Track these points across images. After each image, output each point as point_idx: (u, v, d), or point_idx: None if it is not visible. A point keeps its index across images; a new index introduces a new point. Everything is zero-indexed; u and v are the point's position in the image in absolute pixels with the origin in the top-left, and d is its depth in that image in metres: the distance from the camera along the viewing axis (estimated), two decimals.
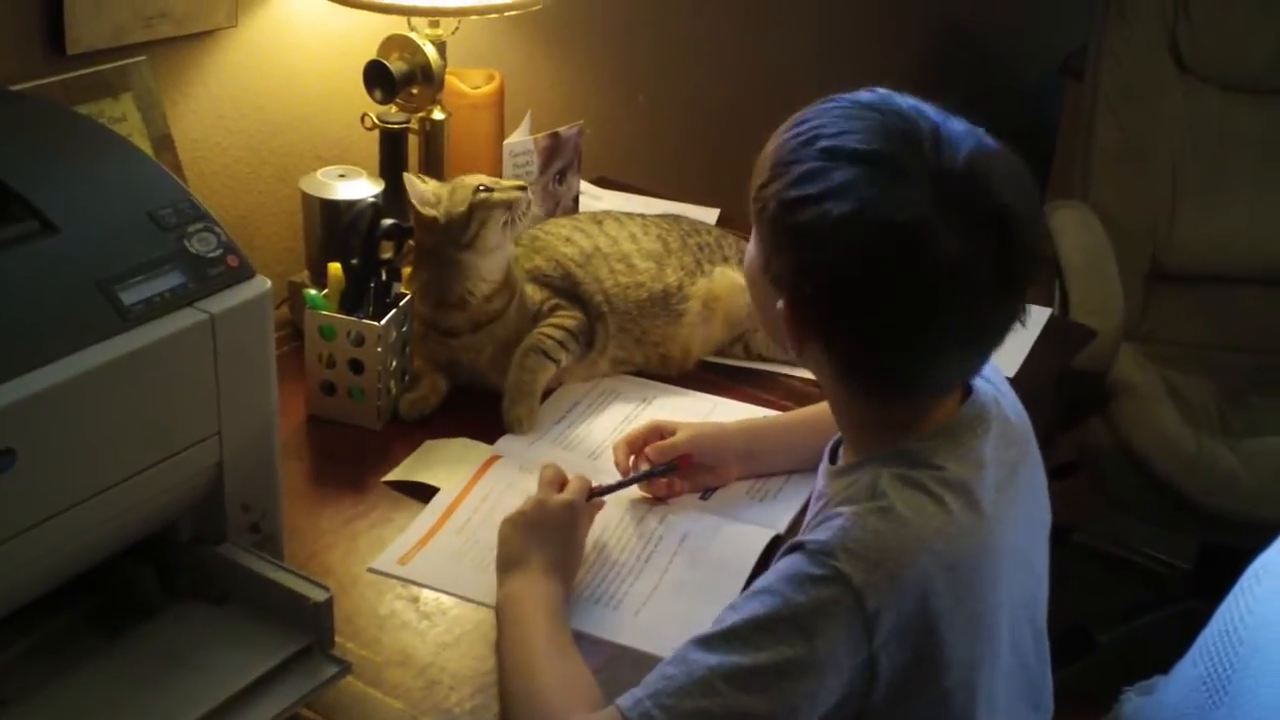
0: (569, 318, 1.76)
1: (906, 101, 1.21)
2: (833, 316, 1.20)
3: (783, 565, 1.19)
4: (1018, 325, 1.22)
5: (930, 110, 1.20)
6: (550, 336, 1.73)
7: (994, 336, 1.22)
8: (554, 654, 1.30)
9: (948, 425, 1.26)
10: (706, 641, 1.17)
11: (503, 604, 1.38)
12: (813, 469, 1.45)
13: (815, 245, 1.18)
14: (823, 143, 1.19)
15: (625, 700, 1.16)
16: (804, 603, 1.15)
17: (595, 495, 1.49)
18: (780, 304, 1.23)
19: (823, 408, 1.62)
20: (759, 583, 1.19)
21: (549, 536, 1.41)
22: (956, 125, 1.19)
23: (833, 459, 1.35)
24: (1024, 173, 1.20)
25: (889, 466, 1.22)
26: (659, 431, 1.60)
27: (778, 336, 1.28)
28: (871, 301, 1.17)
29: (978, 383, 1.30)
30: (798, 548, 1.19)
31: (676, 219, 1.97)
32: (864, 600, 1.14)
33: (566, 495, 1.45)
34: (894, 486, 1.20)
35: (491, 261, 1.71)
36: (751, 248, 1.31)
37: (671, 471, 1.58)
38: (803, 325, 1.22)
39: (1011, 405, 1.35)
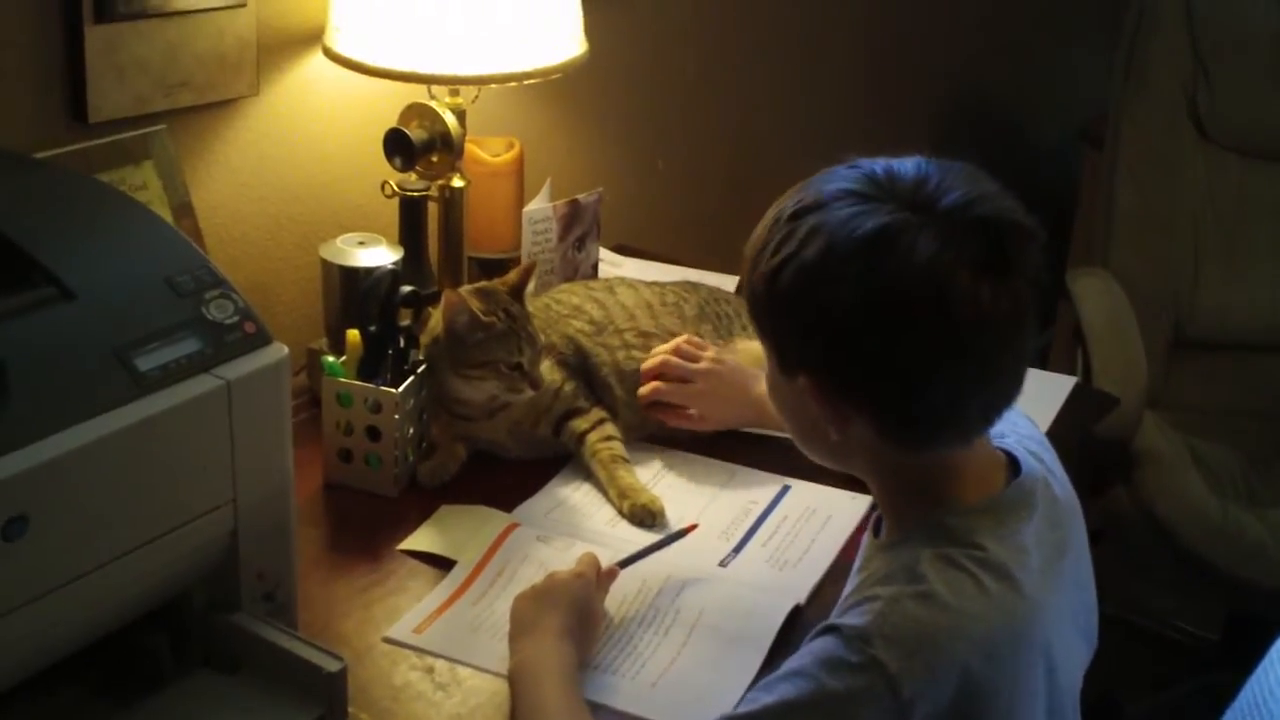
0: (600, 415, 1.77)
1: (879, 162, 1.20)
2: (848, 363, 1.17)
3: (816, 647, 1.16)
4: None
5: (908, 162, 1.19)
6: (610, 436, 1.75)
7: (1000, 354, 1.17)
8: (569, 716, 1.29)
9: (992, 503, 1.22)
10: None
11: (516, 671, 1.36)
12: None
13: (804, 299, 1.16)
14: (787, 211, 1.19)
15: None
16: (839, 690, 1.12)
17: (624, 565, 1.50)
18: (806, 392, 1.20)
19: None
20: (791, 663, 1.17)
21: (561, 605, 1.40)
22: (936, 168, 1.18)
23: (875, 532, 1.31)
24: (1010, 204, 1.17)
25: (929, 546, 1.19)
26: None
27: (819, 440, 1.25)
28: (869, 325, 1.14)
29: (1028, 462, 1.27)
30: (833, 630, 1.16)
31: (695, 287, 1.97)
32: (899, 689, 1.11)
33: (576, 568, 1.45)
34: (934, 568, 1.17)
35: (478, 392, 1.71)
36: (766, 364, 1.29)
37: (684, 534, 1.58)
38: (831, 395, 1.19)
39: (1061, 485, 1.32)
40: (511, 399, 1.70)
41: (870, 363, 1.16)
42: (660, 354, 1.78)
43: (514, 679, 1.36)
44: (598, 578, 1.45)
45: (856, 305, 1.14)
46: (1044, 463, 1.31)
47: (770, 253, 1.18)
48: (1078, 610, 1.32)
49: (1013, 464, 1.27)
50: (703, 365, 1.77)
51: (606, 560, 1.50)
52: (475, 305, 1.66)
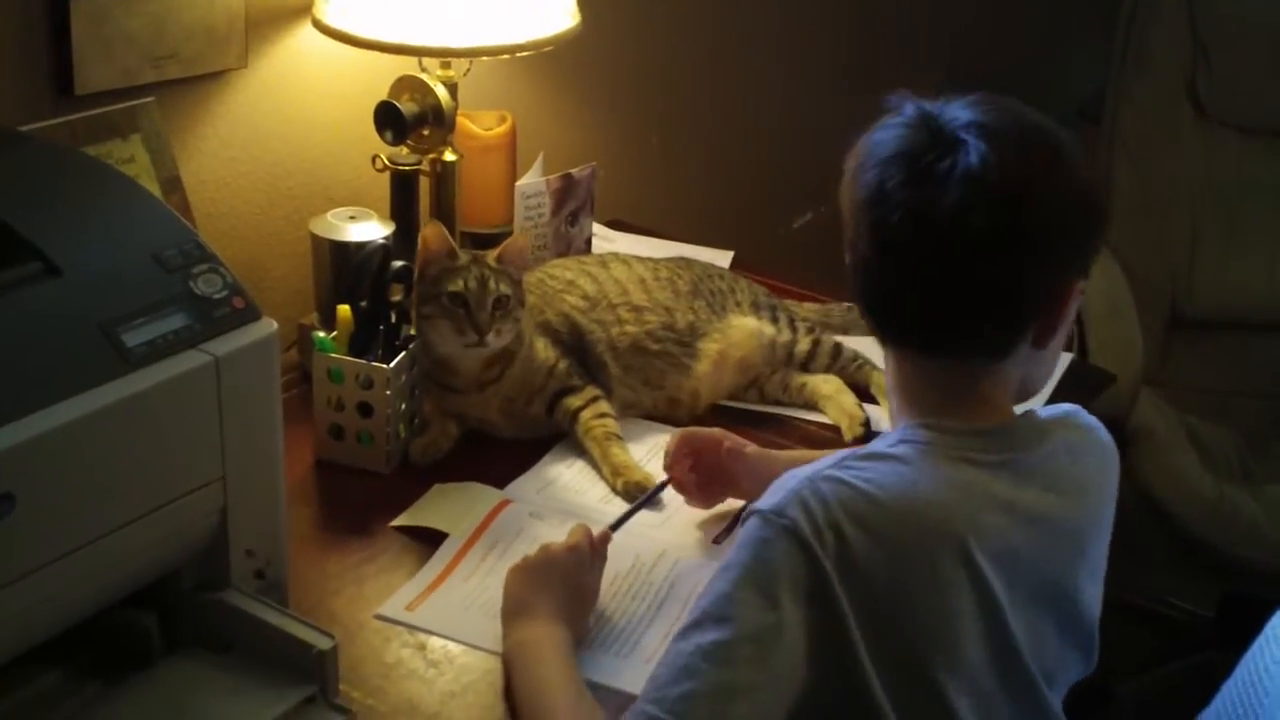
0: (594, 393, 1.75)
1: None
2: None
3: (741, 533, 1.20)
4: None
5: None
6: (604, 414, 1.73)
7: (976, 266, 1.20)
8: (571, 696, 1.29)
9: (986, 427, 1.26)
10: (683, 632, 1.17)
11: (512, 651, 1.35)
12: None
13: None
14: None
15: (627, 717, 1.16)
16: (762, 559, 1.16)
17: (614, 528, 1.50)
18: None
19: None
20: (720, 564, 1.21)
21: (554, 582, 1.39)
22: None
23: None
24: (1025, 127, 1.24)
25: (881, 440, 1.26)
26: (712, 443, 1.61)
27: None
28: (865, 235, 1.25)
29: (1048, 414, 1.33)
30: (753, 514, 1.20)
31: (688, 263, 1.96)
32: (810, 549, 1.16)
33: (570, 541, 1.43)
34: (868, 460, 1.22)
35: (439, 339, 1.69)
36: None
37: (663, 488, 1.60)
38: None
39: (1088, 484, 1.35)
40: (461, 348, 1.67)
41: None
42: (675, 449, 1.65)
43: (510, 660, 1.35)
44: (592, 548, 1.44)
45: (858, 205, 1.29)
46: (1083, 453, 1.35)
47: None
48: (1060, 596, 1.32)
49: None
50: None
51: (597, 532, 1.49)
52: (454, 241, 1.67)
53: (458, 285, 1.65)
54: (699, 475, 1.61)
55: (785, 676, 1.15)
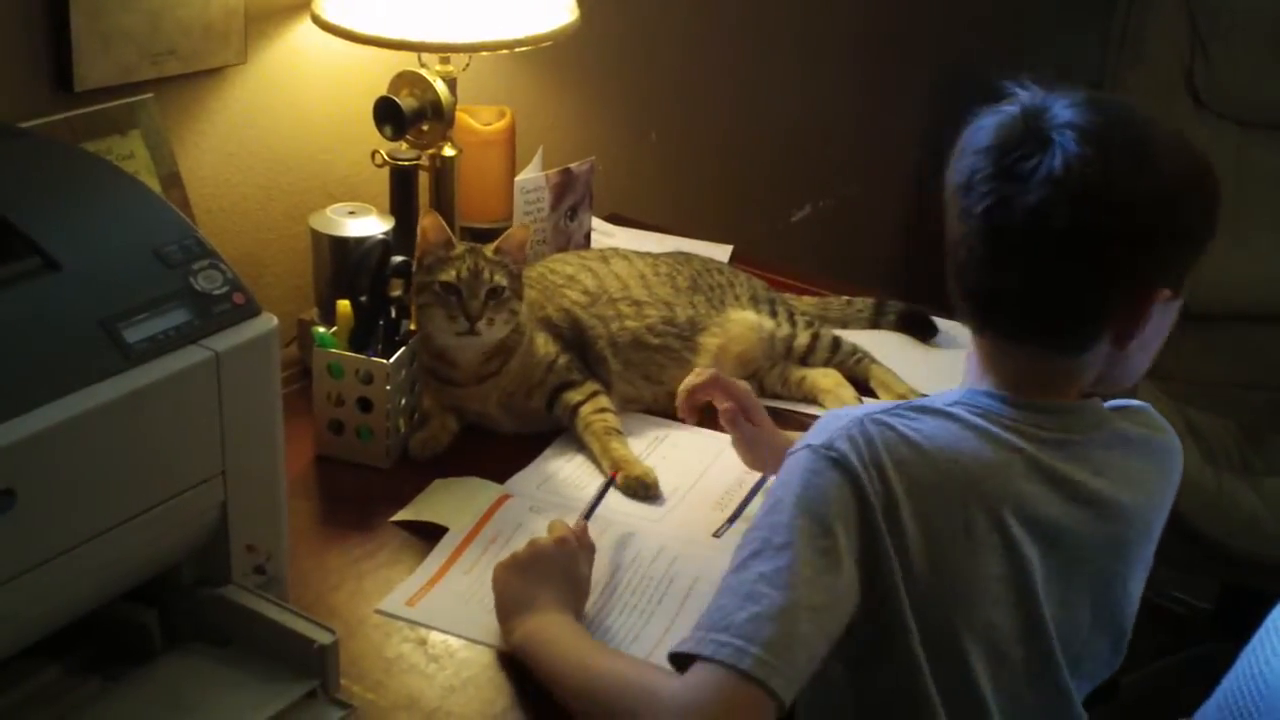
0: (594, 388, 1.75)
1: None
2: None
3: (789, 466, 1.25)
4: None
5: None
6: (604, 408, 1.73)
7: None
8: (610, 654, 1.32)
9: (1046, 404, 1.29)
10: (741, 564, 1.21)
11: (527, 640, 1.35)
12: None
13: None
14: None
15: (688, 645, 1.18)
16: (811, 488, 1.21)
17: (586, 518, 1.51)
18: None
19: None
20: (769, 497, 1.25)
21: (550, 576, 1.40)
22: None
23: None
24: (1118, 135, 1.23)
25: (941, 399, 1.29)
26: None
27: None
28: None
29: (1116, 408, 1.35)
30: (804, 448, 1.24)
31: (688, 258, 1.96)
32: (859, 480, 1.21)
33: (556, 535, 1.43)
34: (923, 414, 1.26)
35: (435, 329, 1.70)
36: None
37: (608, 487, 1.61)
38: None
39: (1141, 479, 1.37)
40: (454, 338, 1.67)
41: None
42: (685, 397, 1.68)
43: (528, 649, 1.34)
44: (578, 540, 1.44)
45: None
46: (1148, 470, 1.38)
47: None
48: (1099, 580, 1.34)
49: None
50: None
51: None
52: (451, 232, 1.67)
53: (450, 274, 1.65)
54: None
55: (843, 598, 1.19)
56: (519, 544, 1.47)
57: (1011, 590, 1.26)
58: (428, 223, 1.68)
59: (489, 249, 1.68)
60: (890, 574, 1.22)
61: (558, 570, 1.40)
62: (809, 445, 1.24)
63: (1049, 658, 1.31)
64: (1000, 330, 1.30)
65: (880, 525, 1.21)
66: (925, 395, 1.43)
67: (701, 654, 1.16)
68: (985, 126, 1.27)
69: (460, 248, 1.67)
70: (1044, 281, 1.24)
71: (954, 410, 1.28)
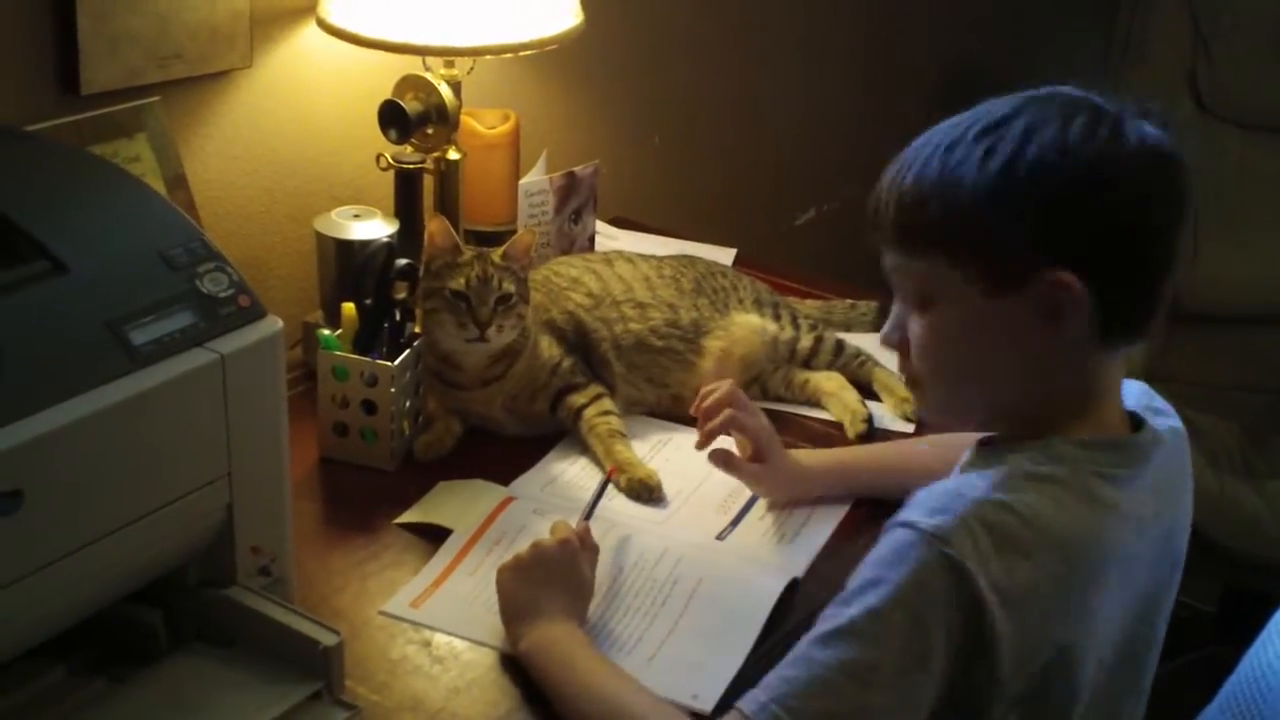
0: (598, 391, 1.75)
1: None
2: (1122, 248, 1.26)
3: (892, 547, 1.16)
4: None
5: None
6: (608, 411, 1.73)
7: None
8: (628, 683, 1.30)
9: (1100, 440, 1.24)
10: (824, 638, 1.15)
11: (535, 651, 1.35)
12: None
13: (1078, 191, 1.23)
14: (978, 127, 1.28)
15: (747, 704, 1.15)
16: (917, 587, 1.13)
17: (587, 518, 1.51)
18: (1048, 292, 1.19)
19: (897, 446, 1.73)
20: (865, 572, 1.17)
21: (553, 577, 1.40)
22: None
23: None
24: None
25: (1027, 463, 1.21)
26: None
27: (1000, 366, 1.24)
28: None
29: (1155, 425, 1.30)
30: (908, 526, 1.16)
31: (692, 260, 1.96)
32: (976, 587, 1.13)
33: (560, 536, 1.43)
34: (1025, 481, 1.19)
35: (442, 334, 1.70)
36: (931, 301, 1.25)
37: (609, 480, 1.61)
38: (1075, 290, 1.21)
39: (1184, 483, 1.35)
40: (463, 343, 1.68)
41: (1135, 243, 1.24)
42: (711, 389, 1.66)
43: (535, 660, 1.34)
44: (581, 541, 1.44)
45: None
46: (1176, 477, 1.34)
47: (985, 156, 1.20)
48: (1155, 603, 1.34)
49: (1135, 424, 1.29)
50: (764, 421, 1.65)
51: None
52: (458, 236, 1.67)
53: (460, 282, 1.65)
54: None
55: (921, 702, 1.15)
56: (523, 546, 1.48)
57: (1102, 644, 1.24)
58: (435, 228, 1.68)
59: (496, 254, 1.68)
60: (990, 669, 1.16)
61: (562, 573, 1.40)
62: (920, 530, 1.15)
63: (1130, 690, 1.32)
64: (1129, 329, 1.25)
65: (991, 619, 1.13)
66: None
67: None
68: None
69: (468, 253, 1.68)
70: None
71: (1052, 472, 1.20)
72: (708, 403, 1.63)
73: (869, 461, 1.69)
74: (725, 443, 1.64)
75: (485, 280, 1.65)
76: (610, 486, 1.65)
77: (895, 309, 1.27)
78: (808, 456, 1.67)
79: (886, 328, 1.29)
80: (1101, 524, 1.21)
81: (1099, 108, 1.25)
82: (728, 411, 1.61)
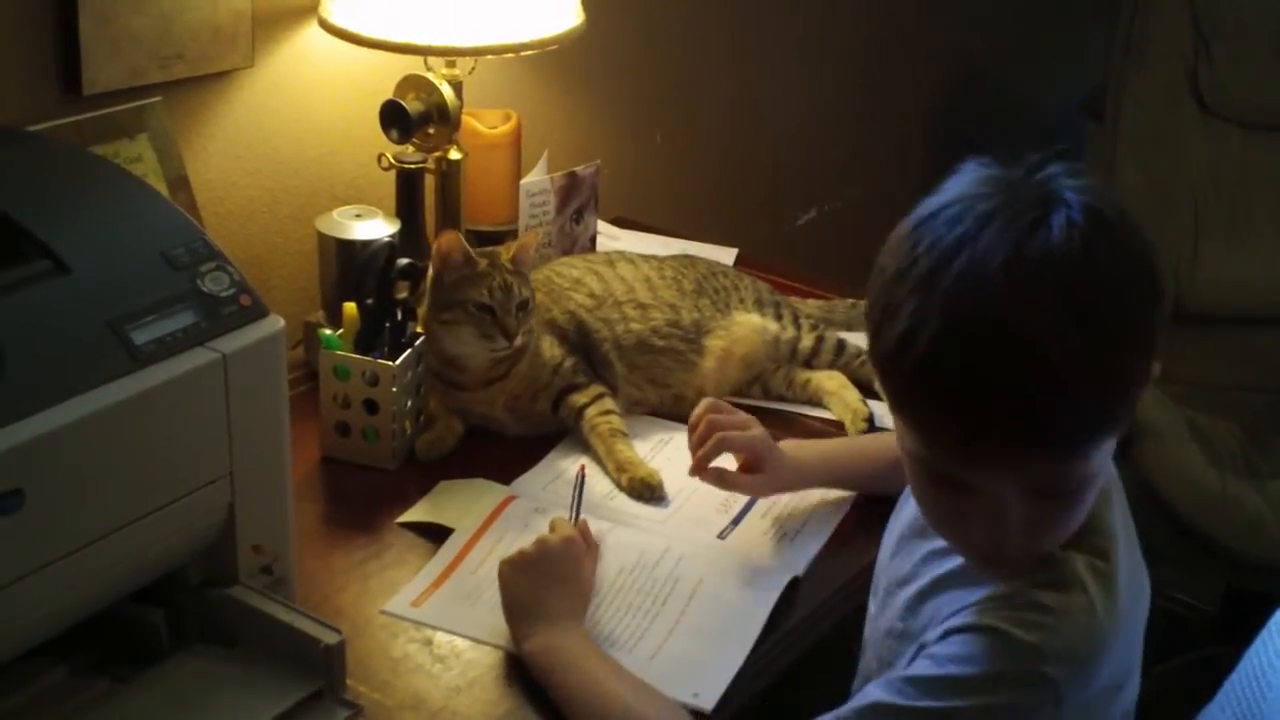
0: (599, 390, 1.75)
1: None
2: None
3: (979, 652, 1.15)
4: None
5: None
6: (609, 411, 1.73)
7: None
8: (631, 681, 1.30)
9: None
10: (894, 686, 1.16)
11: (541, 656, 1.34)
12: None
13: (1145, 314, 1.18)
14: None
15: None
16: (1006, 704, 1.14)
17: (575, 520, 1.51)
18: None
19: (864, 438, 1.73)
20: (950, 668, 1.15)
21: (556, 577, 1.40)
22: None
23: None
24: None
25: (1080, 550, 1.19)
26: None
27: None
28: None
29: None
30: (995, 633, 1.15)
31: (693, 261, 1.96)
32: (1063, 700, 1.14)
33: (563, 534, 1.43)
34: (1090, 575, 1.18)
35: (458, 343, 1.71)
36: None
37: (582, 479, 1.59)
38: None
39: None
40: (488, 353, 1.68)
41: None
42: (697, 416, 1.60)
43: (541, 664, 1.34)
44: (585, 539, 1.45)
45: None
46: None
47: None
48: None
49: None
50: (744, 417, 1.61)
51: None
52: (468, 244, 1.67)
53: (483, 295, 1.66)
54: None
55: None
56: (524, 545, 1.48)
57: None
58: (448, 243, 1.68)
59: (506, 259, 1.69)
60: None
61: (565, 571, 1.41)
62: (1008, 640, 1.14)
63: None
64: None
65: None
66: None
67: None
68: None
69: (482, 263, 1.68)
70: None
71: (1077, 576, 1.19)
72: (696, 434, 1.58)
73: (860, 452, 1.69)
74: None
75: (506, 290, 1.66)
76: (612, 487, 1.65)
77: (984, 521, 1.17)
78: (801, 450, 1.65)
79: (988, 551, 1.20)
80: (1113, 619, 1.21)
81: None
82: (716, 436, 1.57)
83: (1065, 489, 1.15)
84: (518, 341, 1.67)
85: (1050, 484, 1.14)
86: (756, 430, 1.59)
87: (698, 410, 1.60)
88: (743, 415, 1.61)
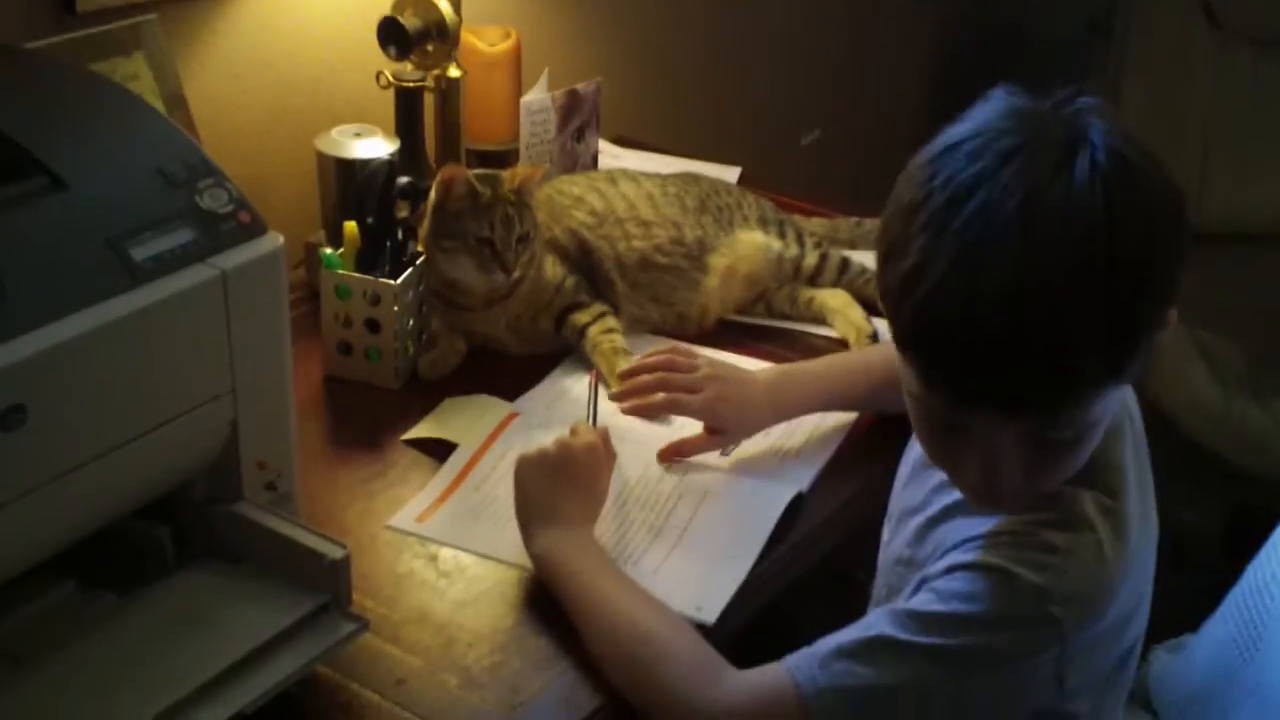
0: (601, 309, 1.75)
1: None
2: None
3: (981, 589, 1.15)
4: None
5: None
6: (611, 329, 1.72)
7: None
8: (636, 591, 1.30)
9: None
10: (898, 619, 1.17)
11: (548, 553, 1.34)
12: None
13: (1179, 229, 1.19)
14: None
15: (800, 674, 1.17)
16: (1010, 642, 1.15)
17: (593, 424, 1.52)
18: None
19: (848, 355, 1.69)
20: (953, 605, 1.16)
21: (575, 481, 1.39)
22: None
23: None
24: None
25: (1088, 487, 1.19)
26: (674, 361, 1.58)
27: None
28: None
29: None
30: (1002, 573, 1.15)
31: (696, 178, 1.95)
32: (1069, 641, 1.15)
33: (586, 439, 1.42)
34: (1099, 516, 1.18)
35: (456, 269, 1.70)
36: None
37: (596, 389, 1.60)
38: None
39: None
40: (483, 284, 1.68)
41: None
42: (649, 364, 1.61)
43: (547, 565, 1.34)
44: (605, 447, 1.44)
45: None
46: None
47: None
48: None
49: None
50: (703, 371, 1.58)
51: None
52: (472, 176, 1.66)
53: (484, 229, 1.65)
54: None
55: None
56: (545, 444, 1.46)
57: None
58: (452, 177, 1.66)
59: (508, 190, 1.67)
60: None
61: (583, 477, 1.40)
62: (1013, 580, 1.14)
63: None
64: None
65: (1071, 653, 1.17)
66: None
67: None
68: None
69: (486, 194, 1.66)
70: None
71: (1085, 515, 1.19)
72: (641, 380, 1.57)
73: (856, 370, 1.64)
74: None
75: (508, 224, 1.65)
76: (615, 407, 1.65)
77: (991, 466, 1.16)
78: (783, 383, 1.59)
79: (982, 492, 1.19)
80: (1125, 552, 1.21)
81: None
82: (662, 397, 1.55)
83: (1064, 437, 1.13)
84: (515, 274, 1.67)
85: (1049, 431, 1.12)
86: (711, 390, 1.54)
87: (652, 359, 1.58)
88: (698, 372, 1.57)
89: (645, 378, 1.59)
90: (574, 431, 1.45)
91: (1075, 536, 1.16)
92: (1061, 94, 1.12)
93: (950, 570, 1.18)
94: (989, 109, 1.12)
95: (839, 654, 1.17)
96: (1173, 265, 1.11)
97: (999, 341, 1.05)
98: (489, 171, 1.72)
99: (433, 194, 1.68)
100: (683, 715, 1.22)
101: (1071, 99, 1.11)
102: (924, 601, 1.17)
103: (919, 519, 1.31)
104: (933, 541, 1.28)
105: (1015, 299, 1.04)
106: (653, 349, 1.67)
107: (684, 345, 1.65)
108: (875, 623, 1.18)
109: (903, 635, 1.15)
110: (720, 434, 1.56)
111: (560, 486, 1.38)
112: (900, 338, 1.13)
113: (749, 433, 1.58)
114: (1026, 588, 1.14)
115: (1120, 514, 1.20)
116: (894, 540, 1.36)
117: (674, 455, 1.55)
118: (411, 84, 1.88)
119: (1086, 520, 1.17)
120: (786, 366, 1.65)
